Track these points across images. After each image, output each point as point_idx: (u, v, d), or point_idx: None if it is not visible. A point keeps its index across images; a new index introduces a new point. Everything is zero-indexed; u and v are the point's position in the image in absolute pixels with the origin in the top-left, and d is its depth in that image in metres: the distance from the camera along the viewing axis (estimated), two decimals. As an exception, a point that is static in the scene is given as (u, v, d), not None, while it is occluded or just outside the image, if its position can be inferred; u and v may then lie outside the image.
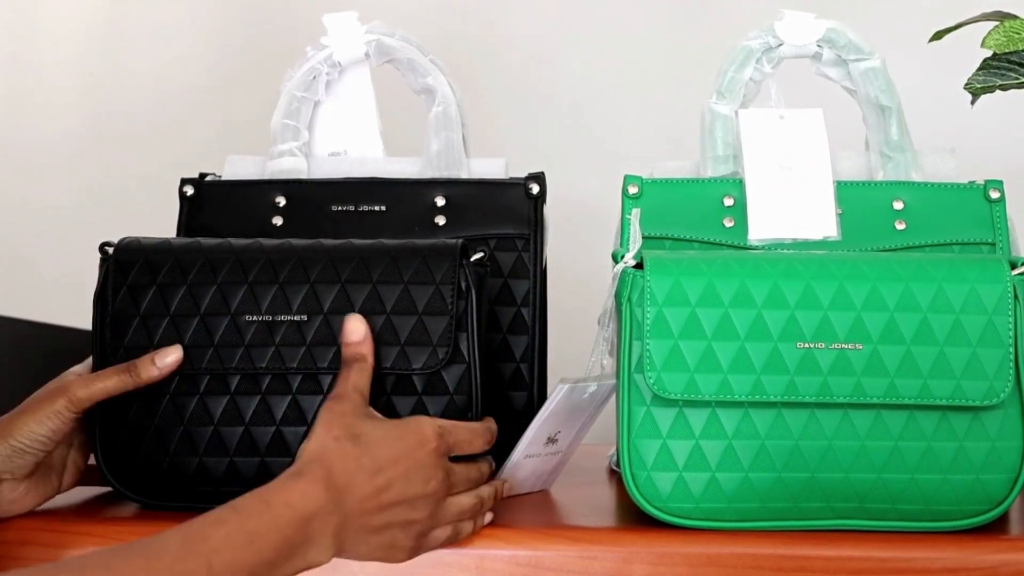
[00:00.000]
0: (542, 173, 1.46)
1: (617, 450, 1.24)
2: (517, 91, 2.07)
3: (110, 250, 1.29)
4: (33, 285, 2.24)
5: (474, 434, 1.24)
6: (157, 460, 1.26)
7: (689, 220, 1.38)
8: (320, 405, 1.23)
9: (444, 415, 1.25)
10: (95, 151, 2.15)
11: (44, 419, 1.24)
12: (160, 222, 1.53)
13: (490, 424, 1.26)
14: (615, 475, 1.42)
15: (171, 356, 1.26)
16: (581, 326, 1.50)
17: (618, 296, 1.24)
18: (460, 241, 1.27)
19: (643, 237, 1.27)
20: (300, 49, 1.50)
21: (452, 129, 1.46)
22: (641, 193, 1.38)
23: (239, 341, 1.26)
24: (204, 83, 2.13)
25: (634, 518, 1.24)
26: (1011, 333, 1.21)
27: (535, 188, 1.45)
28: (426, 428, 1.19)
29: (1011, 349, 1.21)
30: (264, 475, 1.23)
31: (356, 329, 1.24)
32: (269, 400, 1.26)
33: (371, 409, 1.21)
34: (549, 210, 1.46)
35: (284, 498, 1.11)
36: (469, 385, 1.25)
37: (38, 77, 2.15)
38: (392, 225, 1.43)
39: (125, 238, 1.30)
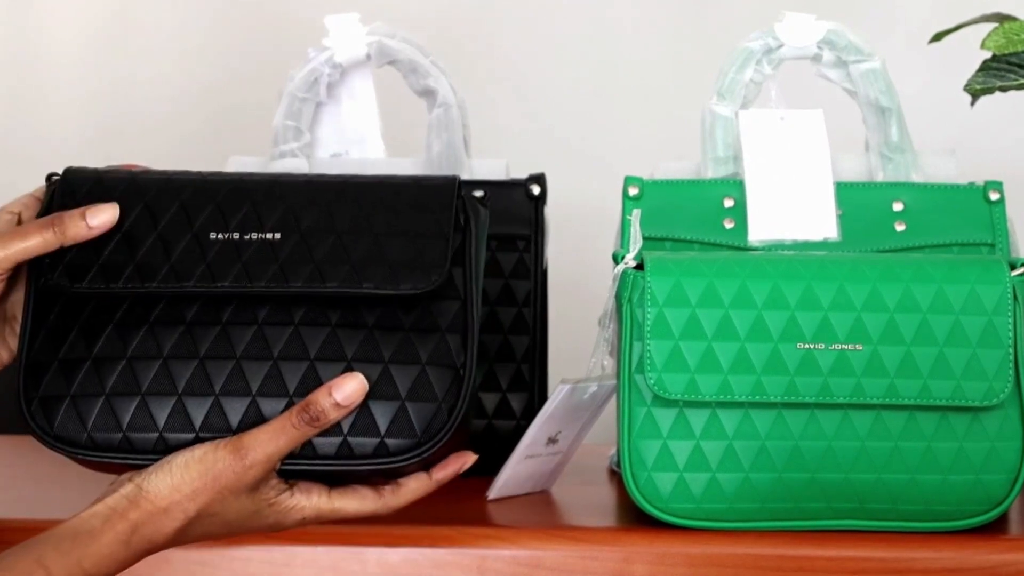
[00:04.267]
0: (543, 174, 1.46)
1: (617, 450, 1.24)
2: (518, 92, 2.07)
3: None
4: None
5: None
6: (90, 398, 1.06)
7: (689, 221, 1.38)
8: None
9: (433, 355, 1.07)
10: (97, 152, 2.15)
11: None
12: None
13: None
14: (615, 475, 1.42)
15: (105, 213, 1.06)
16: (582, 327, 1.50)
17: (619, 297, 1.24)
18: (456, 177, 1.14)
19: (644, 238, 1.27)
20: (302, 50, 1.50)
21: (453, 130, 1.46)
22: (642, 194, 1.39)
23: (200, 258, 1.08)
24: (206, 84, 2.13)
25: (634, 518, 1.24)
26: (1011, 334, 1.22)
27: (536, 189, 1.45)
28: (287, 521, 1.05)
29: (1011, 350, 1.21)
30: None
31: (355, 391, 1.03)
32: (230, 331, 1.07)
33: (261, 483, 1.03)
34: (550, 211, 1.46)
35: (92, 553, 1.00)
36: (464, 323, 1.08)
37: (40, 78, 2.16)
38: (393, 226, 1.43)
39: (74, 166, 1.14)
